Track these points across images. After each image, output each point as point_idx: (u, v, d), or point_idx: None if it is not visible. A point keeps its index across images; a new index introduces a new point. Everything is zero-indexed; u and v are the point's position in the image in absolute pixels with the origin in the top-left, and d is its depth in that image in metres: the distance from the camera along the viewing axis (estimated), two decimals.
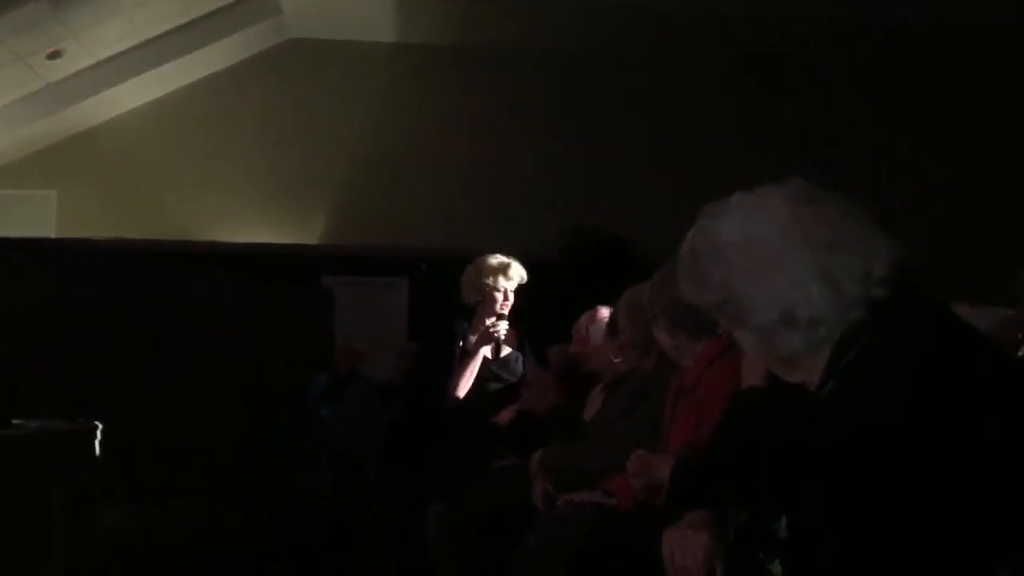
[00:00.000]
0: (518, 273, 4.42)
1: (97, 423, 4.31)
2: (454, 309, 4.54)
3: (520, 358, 4.42)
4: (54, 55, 8.43)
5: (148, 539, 5.09)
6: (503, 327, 4.30)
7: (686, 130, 9.52)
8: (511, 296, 4.38)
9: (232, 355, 6.39)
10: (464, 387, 4.33)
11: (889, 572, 1.17)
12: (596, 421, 3.23)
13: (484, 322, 4.35)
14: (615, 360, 3.34)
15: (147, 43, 8.87)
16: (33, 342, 5.26)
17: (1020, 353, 2.24)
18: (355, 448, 5.78)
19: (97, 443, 4.17)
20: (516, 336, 4.43)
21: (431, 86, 9.67)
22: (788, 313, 1.35)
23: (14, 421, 3.66)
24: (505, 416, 4.11)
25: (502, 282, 4.36)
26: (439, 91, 9.65)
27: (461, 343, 4.38)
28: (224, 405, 6.22)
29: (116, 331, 5.78)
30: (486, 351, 4.32)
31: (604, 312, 3.82)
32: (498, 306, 4.35)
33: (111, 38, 8.57)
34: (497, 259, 4.42)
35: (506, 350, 4.39)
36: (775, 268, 1.36)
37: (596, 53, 9.61)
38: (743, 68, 9.52)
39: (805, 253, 1.35)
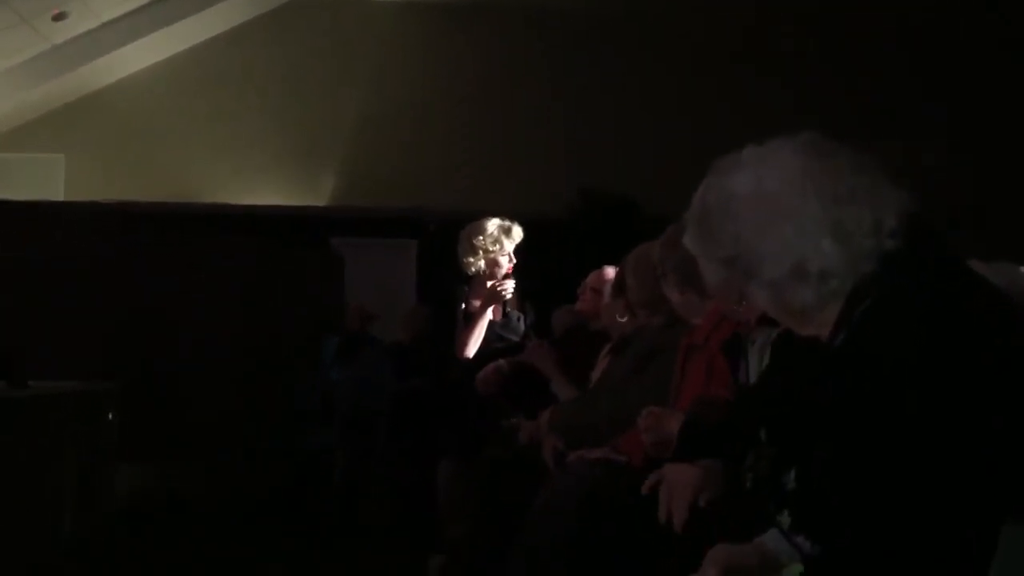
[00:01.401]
0: (519, 234, 4.44)
1: (111, 384, 4.35)
2: (453, 272, 4.56)
3: (522, 317, 4.45)
4: (59, 17, 8.39)
5: (159, 498, 5.15)
6: (509, 287, 4.32)
7: (696, 88, 9.44)
8: (513, 257, 4.41)
9: (242, 317, 6.42)
10: (472, 348, 4.38)
11: (895, 525, 1.18)
12: (604, 380, 3.23)
13: (486, 285, 4.38)
14: (621, 319, 3.34)
15: (152, 4, 8.81)
16: (46, 305, 5.30)
17: None
18: (365, 408, 5.81)
19: (111, 404, 4.21)
20: (517, 296, 4.45)
21: (439, 45, 9.59)
22: (799, 267, 1.34)
23: (30, 383, 3.69)
24: (491, 373, 4.11)
25: (507, 245, 4.39)
26: (447, 51, 9.57)
27: (463, 306, 4.41)
28: (234, 367, 6.26)
29: (127, 294, 5.81)
30: (491, 312, 4.35)
31: (610, 272, 3.81)
32: (502, 270, 4.38)
33: None
34: (495, 223, 4.43)
35: (508, 310, 4.42)
36: (785, 221, 1.35)
37: (606, 10, 9.51)
38: (755, 21, 9.39)
39: (815, 206, 1.34)
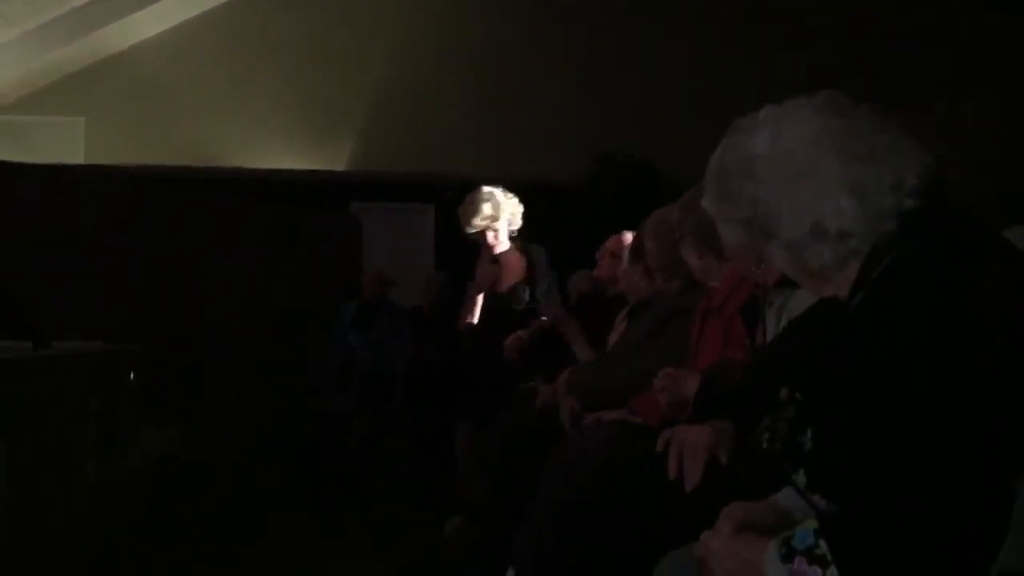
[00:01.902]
0: (508, 209, 4.54)
1: (133, 346, 4.39)
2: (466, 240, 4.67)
3: (527, 290, 4.49)
4: None
5: (179, 459, 5.22)
6: (501, 266, 4.51)
7: (715, 53, 9.34)
8: (504, 232, 4.53)
9: (260, 281, 6.46)
10: (471, 316, 4.59)
11: (908, 486, 1.18)
12: (622, 343, 3.25)
13: (486, 257, 4.55)
14: (639, 284, 3.35)
15: None
16: (67, 267, 5.35)
17: None
18: (383, 374, 5.86)
19: (133, 365, 4.25)
20: (525, 267, 4.49)
21: (458, 8, 9.53)
22: (818, 226, 1.34)
23: (53, 343, 3.73)
24: (513, 340, 4.20)
25: (502, 216, 4.51)
26: (465, 14, 9.51)
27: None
28: (252, 330, 6.31)
29: (145, 257, 5.85)
30: (486, 283, 4.55)
31: (629, 237, 3.81)
32: (492, 240, 4.51)
33: None
34: (489, 198, 4.54)
35: (513, 280, 4.53)
36: (804, 181, 1.34)
37: None
38: None
39: (834, 164, 1.33)
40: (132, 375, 4.33)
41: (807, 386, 1.42)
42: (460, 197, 4.72)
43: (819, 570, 1.19)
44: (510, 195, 4.59)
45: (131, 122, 9.24)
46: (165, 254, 5.93)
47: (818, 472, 1.32)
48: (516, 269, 4.54)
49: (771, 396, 1.52)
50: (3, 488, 3.11)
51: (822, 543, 1.20)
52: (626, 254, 3.75)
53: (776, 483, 1.45)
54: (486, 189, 4.57)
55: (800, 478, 1.35)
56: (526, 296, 4.50)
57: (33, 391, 3.44)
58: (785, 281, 2.08)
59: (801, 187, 1.34)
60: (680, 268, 2.71)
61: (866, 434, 1.24)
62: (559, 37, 9.46)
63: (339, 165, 9.49)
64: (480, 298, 4.62)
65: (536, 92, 9.35)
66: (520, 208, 4.59)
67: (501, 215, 4.51)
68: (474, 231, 4.52)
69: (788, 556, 1.23)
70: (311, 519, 4.58)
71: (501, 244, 4.55)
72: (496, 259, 4.56)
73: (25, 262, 4.91)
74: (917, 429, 1.19)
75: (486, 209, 4.50)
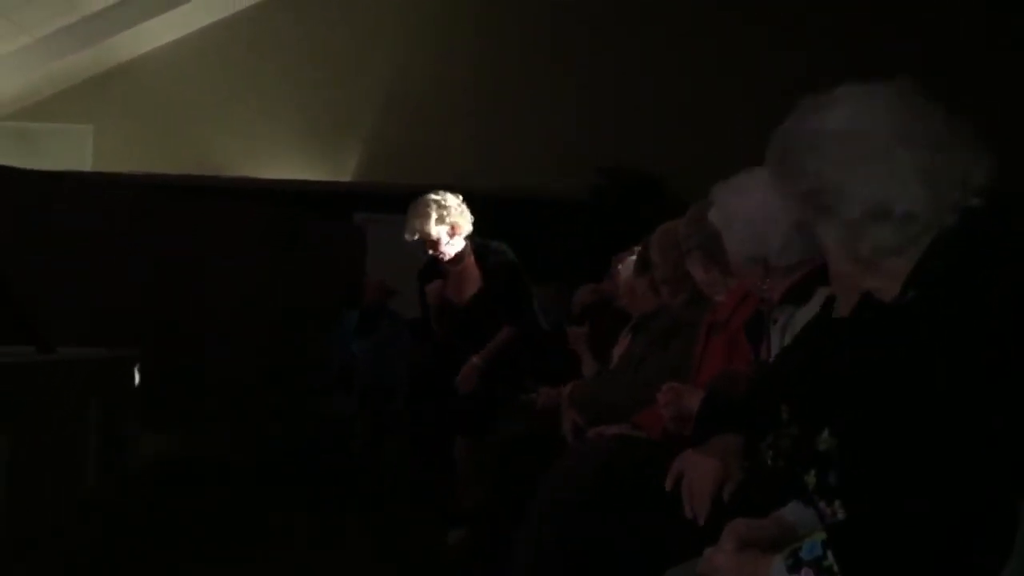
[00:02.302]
0: (455, 213, 4.28)
1: (136, 351, 4.40)
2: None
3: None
4: None
5: (180, 463, 5.21)
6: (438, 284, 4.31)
7: (720, 65, 9.34)
8: (439, 243, 4.26)
9: (264, 289, 6.47)
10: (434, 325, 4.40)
11: (917, 486, 1.17)
12: (625, 357, 3.25)
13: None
14: (644, 297, 3.35)
15: None
16: (74, 273, 5.36)
17: None
18: (385, 382, 5.86)
19: (135, 370, 4.26)
20: (480, 276, 4.32)
21: (464, 21, 9.56)
22: (883, 206, 1.32)
23: (57, 348, 3.73)
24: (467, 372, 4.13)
25: (442, 222, 4.26)
26: (472, 27, 9.54)
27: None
28: (255, 338, 6.31)
29: (152, 264, 5.87)
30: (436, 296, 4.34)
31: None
32: (442, 248, 4.27)
33: None
34: (432, 205, 4.30)
35: (471, 291, 4.32)
36: (876, 161, 1.33)
37: None
38: None
39: (907, 148, 1.32)
40: (134, 380, 4.33)
41: (813, 398, 1.41)
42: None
43: None
44: (454, 196, 4.34)
45: (139, 130, 9.28)
46: (170, 261, 5.95)
47: (839, 475, 1.30)
48: (472, 278, 4.31)
49: (773, 413, 1.52)
50: (4, 490, 3.10)
51: (830, 554, 1.19)
52: (626, 266, 3.75)
53: (782, 498, 1.45)
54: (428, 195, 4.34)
55: (811, 478, 1.33)
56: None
57: (35, 395, 3.45)
58: (790, 299, 2.09)
59: (872, 167, 1.33)
60: (686, 281, 2.71)
61: (881, 434, 1.23)
62: (567, 51, 9.49)
63: (344, 176, 9.52)
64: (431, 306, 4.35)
65: (542, 106, 9.37)
66: (466, 213, 4.32)
67: (447, 219, 4.24)
68: (417, 238, 4.26)
69: (795, 567, 1.22)
70: (311, 520, 4.57)
71: (451, 251, 4.27)
72: (446, 269, 4.32)
73: (28, 266, 4.92)
74: (935, 430, 1.17)
75: (432, 213, 4.24)
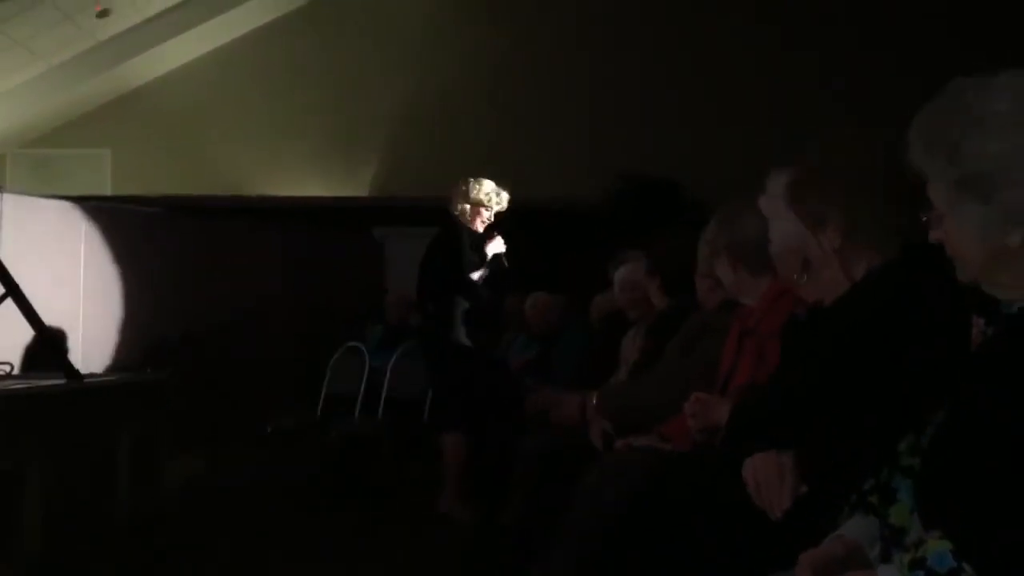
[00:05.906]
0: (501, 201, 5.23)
1: (162, 375, 4.44)
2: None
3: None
4: (103, 13, 8.50)
5: (209, 484, 5.24)
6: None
7: (736, 69, 9.31)
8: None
9: (286, 306, 6.51)
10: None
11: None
12: (650, 361, 3.19)
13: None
14: (652, 300, 3.37)
15: None
16: (99, 299, 5.41)
17: None
18: (409, 397, 5.87)
19: (163, 394, 4.30)
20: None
21: (481, 36, 9.58)
22: None
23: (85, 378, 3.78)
24: None
25: (493, 204, 5.22)
26: (489, 42, 9.56)
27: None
28: (278, 354, 6.35)
29: (173, 286, 5.92)
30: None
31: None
32: (479, 219, 5.18)
33: None
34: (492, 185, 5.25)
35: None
36: None
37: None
38: None
39: None
40: (163, 403, 4.37)
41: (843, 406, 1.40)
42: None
43: None
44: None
45: (156, 153, 9.34)
46: (192, 282, 6.00)
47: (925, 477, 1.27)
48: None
49: (801, 422, 1.50)
50: (38, 516, 3.14)
51: (967, 567, 1.11)
52: (635, 269, 3.76)
53: (828, 519, 1.43)
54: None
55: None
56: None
57: (66, 422, 3.49)
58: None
59: None
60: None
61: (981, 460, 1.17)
62: (581, 65, 9.48)
63: (362, 191, 9.56)
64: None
65: (558, 117, 9.37)
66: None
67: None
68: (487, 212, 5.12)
69: None
70: (336, 540, 4.56)
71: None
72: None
73: (59, 296, 4.97)
74: None
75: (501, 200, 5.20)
